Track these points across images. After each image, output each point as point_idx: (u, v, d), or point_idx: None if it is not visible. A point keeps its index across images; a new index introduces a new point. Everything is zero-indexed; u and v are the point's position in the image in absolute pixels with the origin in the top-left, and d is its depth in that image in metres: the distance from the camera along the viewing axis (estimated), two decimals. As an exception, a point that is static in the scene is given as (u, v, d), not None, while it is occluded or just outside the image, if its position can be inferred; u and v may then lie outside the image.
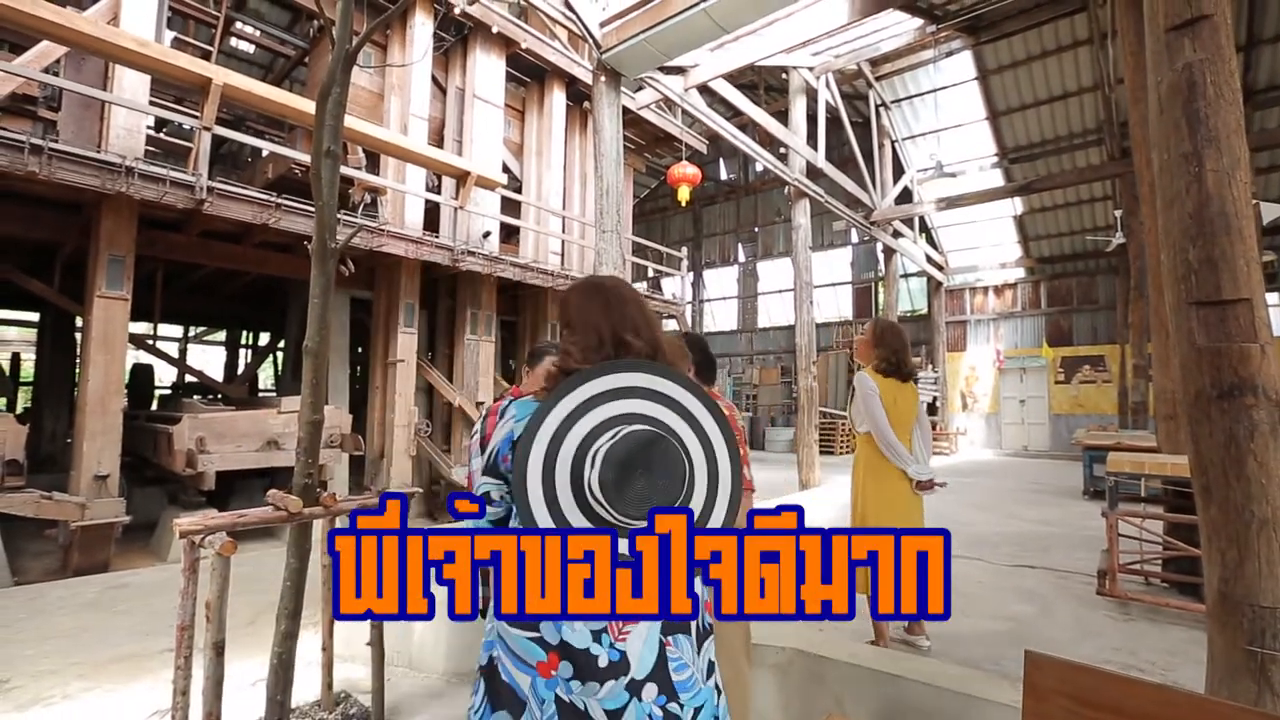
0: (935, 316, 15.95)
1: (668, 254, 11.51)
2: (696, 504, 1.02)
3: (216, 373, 15.10)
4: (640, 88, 7.89)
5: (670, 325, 15.68)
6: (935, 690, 2.31)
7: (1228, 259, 1.87)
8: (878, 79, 12.05)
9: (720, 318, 21.96)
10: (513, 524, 1.08)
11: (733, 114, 9.69)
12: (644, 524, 0.96)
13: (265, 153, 7.92)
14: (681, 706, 1.00)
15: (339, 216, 6.17)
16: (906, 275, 16.56)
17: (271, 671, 2.21)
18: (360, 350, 9.79)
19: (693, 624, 1.06)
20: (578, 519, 0.98)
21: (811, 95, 10.33)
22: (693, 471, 1.01)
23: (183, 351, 15.45)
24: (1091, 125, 12.14)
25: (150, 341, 8.94)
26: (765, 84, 15.66)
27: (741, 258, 21.50)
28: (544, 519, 0.98)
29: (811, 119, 10.14)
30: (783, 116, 10.02)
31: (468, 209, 7.50)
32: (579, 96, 10.05)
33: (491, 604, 1.04)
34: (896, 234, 13.32)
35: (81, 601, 3.89)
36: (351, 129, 6.01)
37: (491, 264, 7.61)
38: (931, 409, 15.98)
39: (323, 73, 7.39)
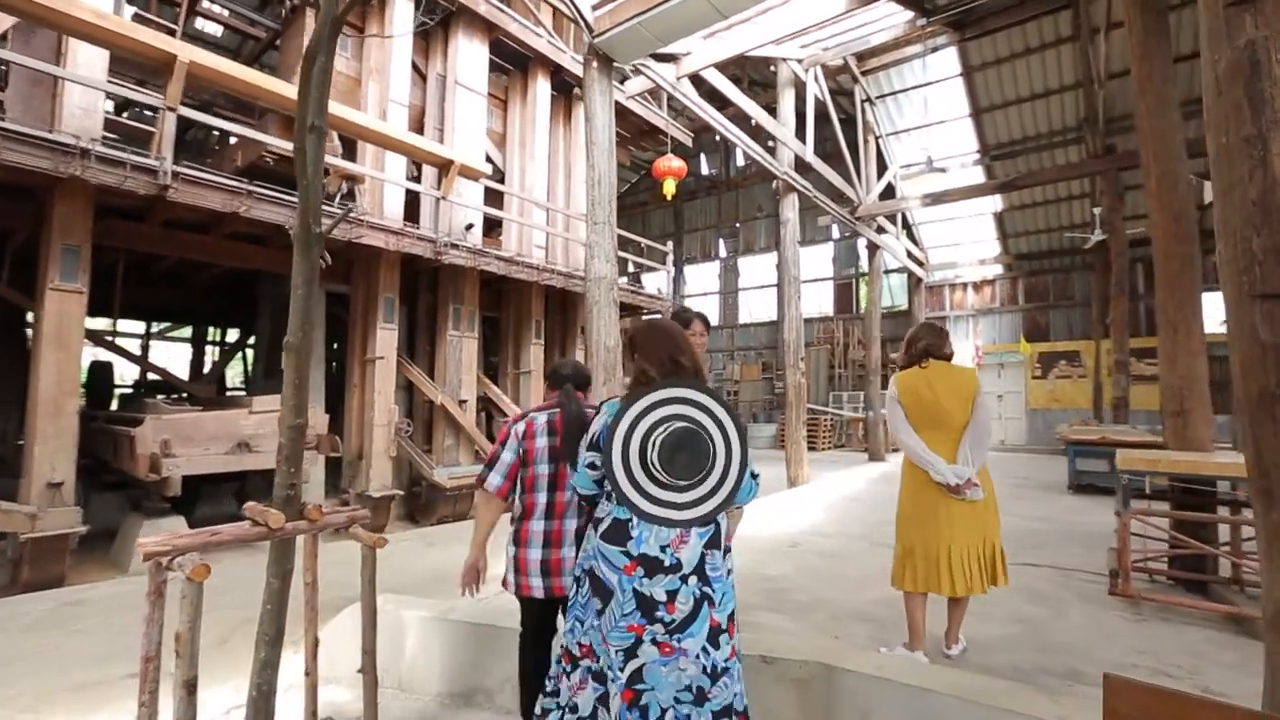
0: (915, 312, 16.03)
1: (653, 248, 11.34)
2: (718, 469, 1.64)
3: (182, 371, 14.49)
4: (625, 78, 7.69)
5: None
6: (967, 704, 2.17)
7: (1296, 249, 1.75)
8: (863, 74, 12.01)
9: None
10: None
11: (720, 106, 9.53)
12: (687, 481, 1.60)
13: (236, 139, 7.54)
14: (712, 589, 1.66)
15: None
16: (888, 271, 16.63)
17: (250, 704, 1.98)
18: (335, 347, 9.42)
19: (721, 544, 1.73)
20: (643, 479, 1.60)
21: (799, 89, 10.22)
22: (714, 451, 1.63)
23: (145, 348, 14.78)
24: (1072, 123, 12.27)
25: (109, 338, 8.47)
26: (749, 78, 15.55)
27: (723, 253, 21.43)
28: (624, 480, 1.60)
29: (799, 116, 10.02)
30: (769, 111, 9.89)
31: (450, 200, 7.22)
32: (564, 86, 9.80)
33: (594, 530, 1.76)
34: (880, 230, 13.33)
35: (30, 621, 3.57)
36: (328, 113, 5.70)
37: (475, 257, 7.35)
38: (912, 404, 16.14)
39: (296, 56, 6.95)
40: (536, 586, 2.06)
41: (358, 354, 7.19)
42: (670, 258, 11.61)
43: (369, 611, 2.11)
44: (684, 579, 1.63)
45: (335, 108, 5.94)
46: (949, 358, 2.83)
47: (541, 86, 9.19)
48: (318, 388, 7.27)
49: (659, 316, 1.94)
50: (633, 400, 1.64)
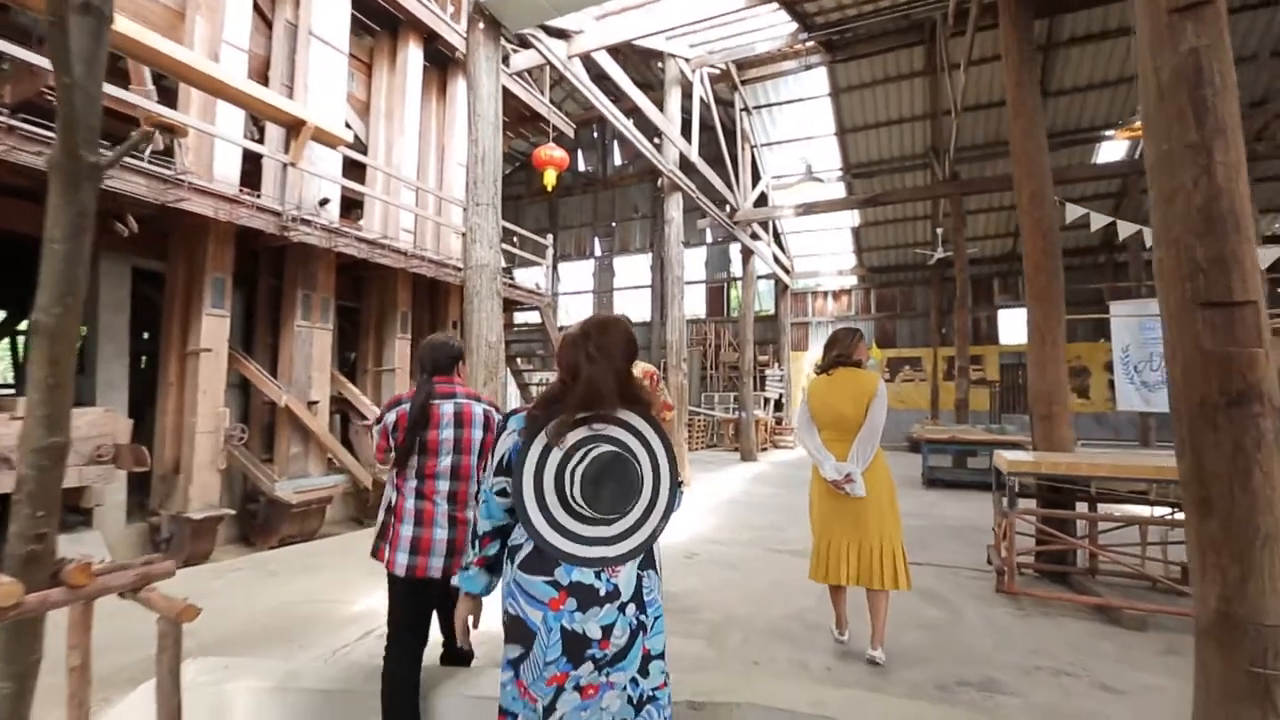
0: (781, 318, 16.88)
1: (534, 241, 10.75)
2: (647, 494, 1.44)
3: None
4: (506, 56, 7.11)
5: (533, 317, 14.84)
6: (913, 738, 2.02)
7: (1238, 259, 1.74)
8: (743, 83, 12.32)
9: (575, 312, 21.48)
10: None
11: (612, 98, 9.23)
12: (615, 516, 1.40)
13: (4, 66, 5.91)
14: (647, 615, 1.45)
15: (103, 151, 4.58)
16: (759, 277, 17.33)
17: None
18: (147, 336, 7.81)
19: (656, 564, 1.53)
20: (562, 516, 1.40)
21: (686, 89, 10.20)
22: (642, 476, 1.43)
23: None
24: (920, 150, 13.50)
25: None
26: (632, 78, 15.41)
27: (598, 252, 21.22)
28: (535, 515, 1.39)
29: (685, 123, 9.99)
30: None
31: (300, 168, 6.20)
32: (439, 58, 8.94)
33: (509, 561, 1.44)
34: (755, 236, 13.79)
35: None
36: (140, 43, 4.57)
37: (332, 237, 6.36)
38: (778, 405, 16.92)
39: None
40: (401, 564, 2.04)
41: (175, 346, 5.91)
42: (550, 251, 11.09)
43: (170, 713, 1.47)
44: (622, 608, 1.40)
45: (150, 37, 4.79)
46: (859, 363, 2.98)
47: (413, 53, 8.28)
48: (118, 386, 5.90)
49: (615, 316, 1.62)
50: (540, 423, 1.41)
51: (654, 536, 1.45)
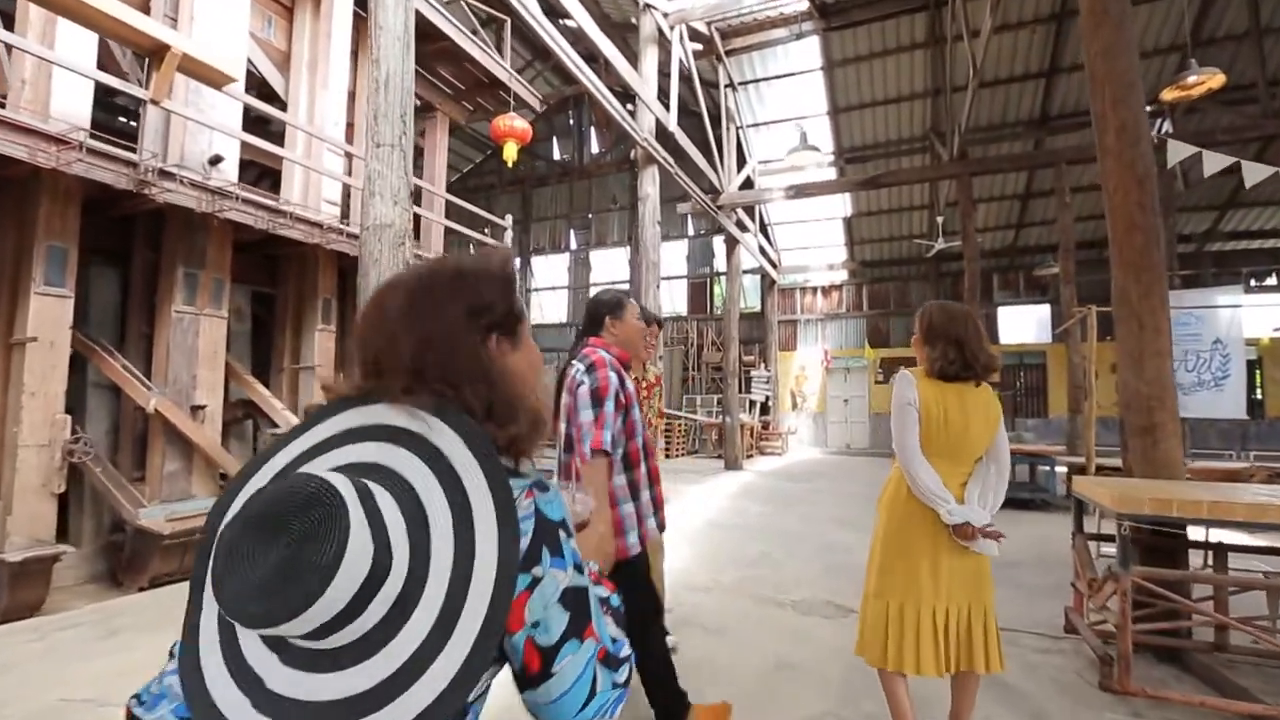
0: (768, 314, 15.81)
1: (490, 221, 9.47)
2: (423, 621, 0.57)
3: None
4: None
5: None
6: None
7: None
8: (728, 53, 11.19)
9: (549, 309, 20.27)
10: None
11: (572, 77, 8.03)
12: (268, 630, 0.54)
13: None
14: None
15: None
16: (744, 272, 16.24)
17: None
18: None
19: None
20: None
21: (665, 50, 9.03)
22: (356, 545, 0.54)
23: None
24: (919, 132, 12.48)
25: None
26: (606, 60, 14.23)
27: (573, 245, 20.00)
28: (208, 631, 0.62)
29: (663, 95, 8.84)
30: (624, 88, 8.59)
31: (183, 115, 4.92)
32: (375, 3, 7.67)
33: None
34: (741, 227, 12.68)
35: None
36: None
37: (214, 198, 5.07)
38: (764, 408, 15.80)
39: None
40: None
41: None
42: (509, 234, 9.81)
43: None
44: None
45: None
46: (985, 371, 2.01)
47: (341, -5, 7.02)
48: (-77, 386, 4.55)
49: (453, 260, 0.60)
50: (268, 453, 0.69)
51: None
